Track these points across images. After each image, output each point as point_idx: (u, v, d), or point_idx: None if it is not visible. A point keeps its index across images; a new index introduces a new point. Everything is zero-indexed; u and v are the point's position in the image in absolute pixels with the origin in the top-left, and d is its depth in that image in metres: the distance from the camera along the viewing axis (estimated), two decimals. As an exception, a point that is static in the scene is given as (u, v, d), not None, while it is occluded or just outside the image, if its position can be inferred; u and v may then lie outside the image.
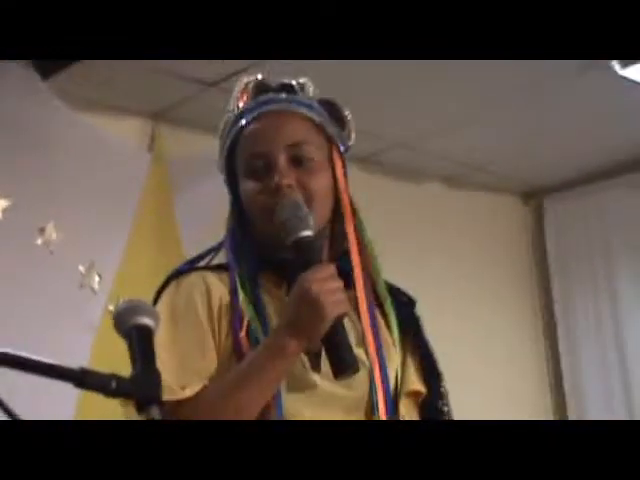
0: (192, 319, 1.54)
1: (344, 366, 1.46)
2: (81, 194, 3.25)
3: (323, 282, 1.43)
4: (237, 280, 1.56)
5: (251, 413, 1.47)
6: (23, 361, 1.08)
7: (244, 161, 1.59)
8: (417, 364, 1.65)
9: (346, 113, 1.65)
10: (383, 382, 1.55)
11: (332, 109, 1.63)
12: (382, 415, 1.55)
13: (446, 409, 1.64)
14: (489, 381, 4.46)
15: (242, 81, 1.64)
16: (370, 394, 1.55)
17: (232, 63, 2.99)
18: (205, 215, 3.41)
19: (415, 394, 1.64)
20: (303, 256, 1.49)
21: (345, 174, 1.62)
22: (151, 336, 1.20)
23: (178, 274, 1.62)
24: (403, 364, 1.64)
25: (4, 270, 3.09)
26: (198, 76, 3.33)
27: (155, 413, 1.14)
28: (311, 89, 1.64)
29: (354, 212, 1.63)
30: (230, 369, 1.51)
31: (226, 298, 1.56)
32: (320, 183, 1.57)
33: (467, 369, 4.08)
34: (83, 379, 1.10)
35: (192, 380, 1.50)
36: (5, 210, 3.19)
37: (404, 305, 1.67)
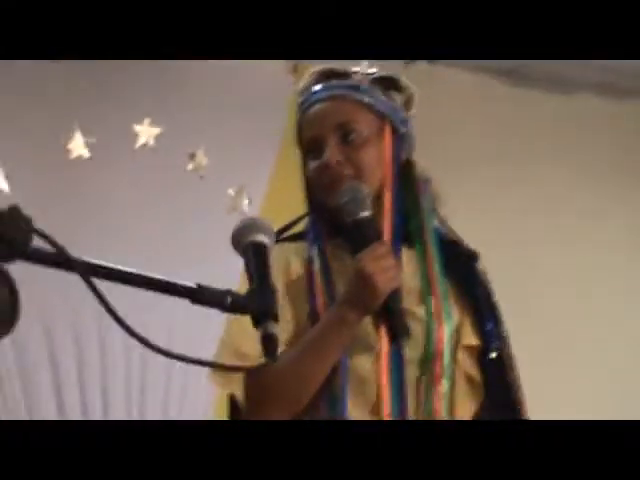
0: None
1: (397, 332, 1.61)
2: (229, 120, 3.32)
3: (377, 261, 1.57)
4: (314, 251, 1.71)
5: (316, 379, 1.62)
6: (140, 279, 1.12)
7: (305, 144, 1.75)
8: (473, 316, 1.73)
9: (403, 83, 1.75)
10: (440, 339, 1.67)
11: (389, 84, 1.74)
12: (438, 370, 1.66)
13: (503, 359, 1.71)
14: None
15: (308, 71, 1.78)
16: (428, 350, 1.66)
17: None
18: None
19: (471, 348, 1.72)
20: (363, 234, 1.63)
21: (396, 146, 1.72)
22: (267, 253, 1.22)
23: None
24: (460, 318, 1.72)
25: (156, 195, 3.20)
26: None
27: (271, 327, 1.17)
28: (366, 70, 1.75)
29: (408, 179, 1.74)
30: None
31: (302, 269, 1.71)
32: (367, 158, 1.69)
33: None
34: (199, 295, 1.13)
35: None
36: (157, 137, 3.31)
37: (463, 261, 1.76)
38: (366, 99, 1.71)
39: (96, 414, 3.17)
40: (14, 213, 0.99)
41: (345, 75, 1.73)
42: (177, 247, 3.08)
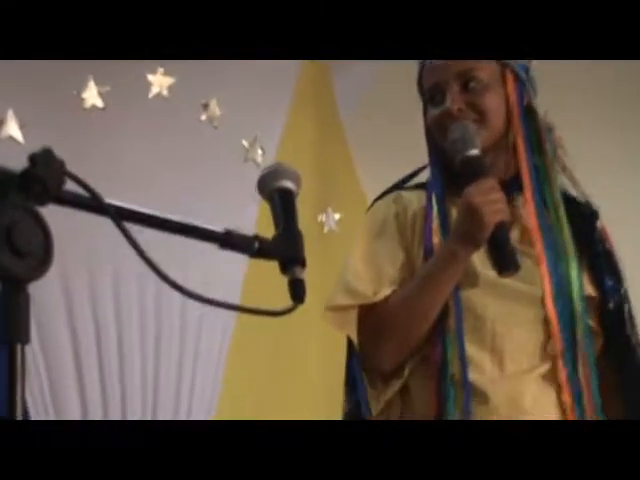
0: (387, 235, 1.77)
1: (504, 264, 1.63)
2: (242, 70, 3.30)
3: (483, 194, 1.62)
4: (433, 196, 1.77)
5: (429, 314, 1.68)
6: (170, 223, 1.13)
7: (426, 92, 1.79)
8: (592, 270, 1.77)
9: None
10: (552, 278, 1.70)
11: None
12: (550, 311, 1.69)
13: (621, 311, 1.74)
14: None
15: None
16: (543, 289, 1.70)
17: None
18: (362, 95, 3.44)
19: (590, 298, 1.75)
20: (471, 171, 1.67)
21: (519, 91, 1.76)
22: (293, 198, 1.23)
23: (388, 192, 1.84)
24: (579, 271, 1.75)
25: (171, 146, 3.20)
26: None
27: (298, 272, 1.18)
28: None
29: (530, 125, 1.77)
30: None
31: (421, 212, 1.77)
32: (489, 103, 1.73)
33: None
34: (226, 240, 1.14)
35: (383, 286, 1.71)
36: (170, 87, 3.30)
37: (583, 217, 1.80)
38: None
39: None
40: (47, 155, 1.00)
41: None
42: (191, 197, 3.08)
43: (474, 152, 1.67)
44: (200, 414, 3.26)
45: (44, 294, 2.86)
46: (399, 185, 1.86)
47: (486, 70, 1.73)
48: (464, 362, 1.65)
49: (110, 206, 1.05)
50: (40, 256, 1.00)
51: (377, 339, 1.69)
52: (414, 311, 1.67)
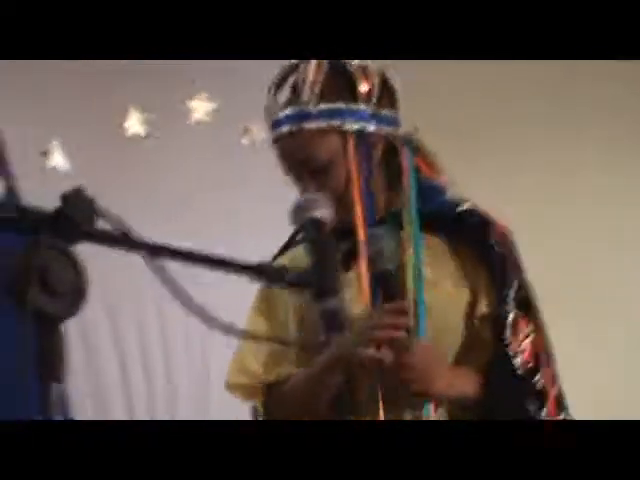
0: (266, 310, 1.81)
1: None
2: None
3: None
4: None
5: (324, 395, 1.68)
6: (203, 257, 1.13)
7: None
8: (488, 282, 1.72)
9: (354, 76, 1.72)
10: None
11: (342, 83, 1.72)
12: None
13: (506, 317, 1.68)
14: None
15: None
16: None
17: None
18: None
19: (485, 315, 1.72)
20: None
21: (360, 150, 1.70)
22: (325, 229, 1.24)
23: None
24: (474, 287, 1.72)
25: (212, 170, 3.23)
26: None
27: (331, 303, 1.18)
28: (315, 78, 1.71)
29: (389, 164, 1.74)
30: None
31: None
32: (336, 177, 1.70)
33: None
34: (260, 272, 1.15)
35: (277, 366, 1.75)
36: (211, 112, 3.33)
37: (474, 228, 1.73)
38: (314, 125, 1.70)
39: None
40: (78, 194, 1.01)
41: (295, 95, 1.72)
42: (232, 220, 3.10)
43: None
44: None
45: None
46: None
47: (323, 148, 1.70)
48: None
49: (142, 243, 1.06)
50: (74, 295, 1.01)
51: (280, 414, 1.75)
52: (310, 394, 1.70)
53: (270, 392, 1.74)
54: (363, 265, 1.64)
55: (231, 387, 1.76)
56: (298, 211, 1.24)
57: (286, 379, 1.72)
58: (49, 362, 0.99)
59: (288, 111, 1.71)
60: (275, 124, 1.74)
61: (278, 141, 1.74)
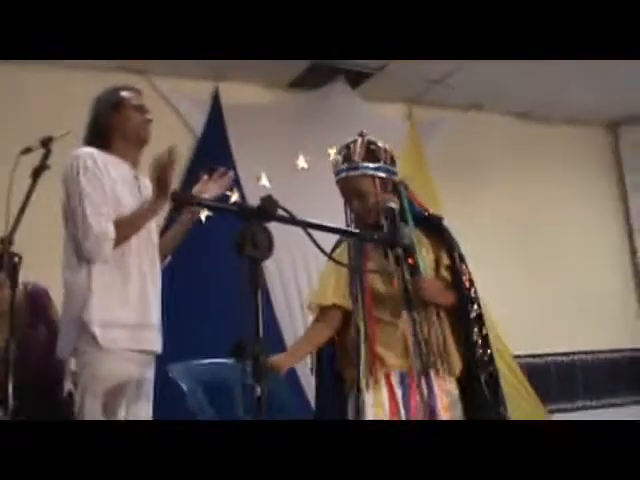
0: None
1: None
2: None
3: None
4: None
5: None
6: (335, 229, 2.15)
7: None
8: (446, 251, 2.90)
9: (379, 153, 2.91)
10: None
11: (375, 155, 2.89)
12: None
13: (473, 314, 2.81)
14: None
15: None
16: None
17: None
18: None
19: (448, 266, 2.90)
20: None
21: (379, 187, 2.87)
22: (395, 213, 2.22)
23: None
24: (437, 253, 2.92)
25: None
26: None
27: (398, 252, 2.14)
28: (360, 150, 2.90)
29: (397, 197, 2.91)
30: None
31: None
32: (369, 201, 2.88)
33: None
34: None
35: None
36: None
37: (435, 226, 2.88)
38: (358, 173, 2.83)
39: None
40: (269, 198, 1.93)
41: (348, 158, 2.85)
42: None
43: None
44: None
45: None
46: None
47: (365, 185, 2.82)
48: None
49: (301, 221, 2.04)
50: (266, 248, 1.96)
51: None
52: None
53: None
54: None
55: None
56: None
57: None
58: (257, 279, 1.92)
59: (344, 166, 2.86)
60: (337, 173, 2.87)
61: (339, 182, 2.87)
